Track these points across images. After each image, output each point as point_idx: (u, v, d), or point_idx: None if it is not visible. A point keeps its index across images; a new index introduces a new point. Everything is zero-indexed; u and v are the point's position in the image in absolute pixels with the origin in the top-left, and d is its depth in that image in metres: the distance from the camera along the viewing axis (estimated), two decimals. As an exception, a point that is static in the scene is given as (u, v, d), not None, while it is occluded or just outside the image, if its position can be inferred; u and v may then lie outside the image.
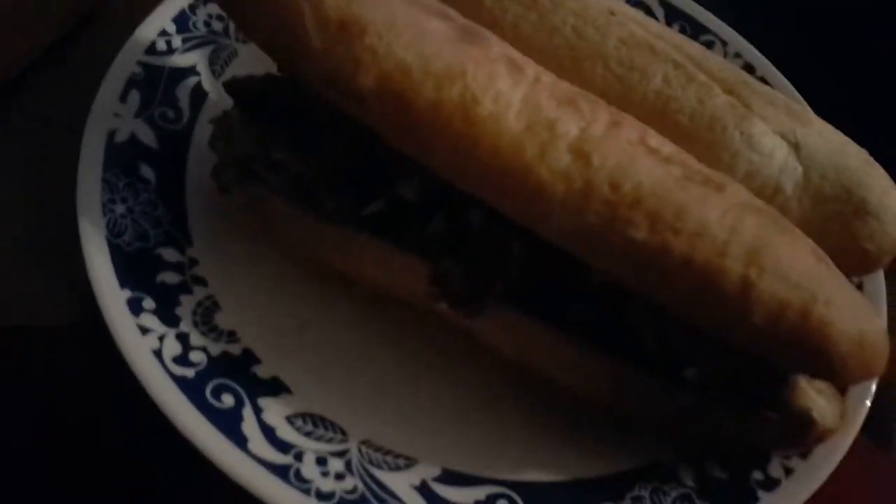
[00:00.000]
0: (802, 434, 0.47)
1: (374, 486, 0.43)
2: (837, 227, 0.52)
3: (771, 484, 0.48)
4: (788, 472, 0.48)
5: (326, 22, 0.44)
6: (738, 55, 0.74)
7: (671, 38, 0.57)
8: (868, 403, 0.51)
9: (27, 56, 0.60)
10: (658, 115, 0.53)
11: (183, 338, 0.45)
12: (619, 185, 0.42)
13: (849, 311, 0.42)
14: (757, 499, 0.47)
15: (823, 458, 0.49)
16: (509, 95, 0.44)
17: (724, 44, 0.74)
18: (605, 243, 0.42)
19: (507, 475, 0.46)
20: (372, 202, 0.47)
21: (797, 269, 0.42)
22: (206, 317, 0.47)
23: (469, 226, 0.47)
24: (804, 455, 0.49)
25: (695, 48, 0.57)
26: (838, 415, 0.48)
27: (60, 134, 0.56)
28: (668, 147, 0.46)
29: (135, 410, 0.46)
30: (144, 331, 0.44)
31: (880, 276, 0.58)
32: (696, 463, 0.49)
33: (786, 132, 0.53)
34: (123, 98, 0.53)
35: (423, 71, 0.43)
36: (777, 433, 0.47)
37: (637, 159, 0.43)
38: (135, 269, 0.46)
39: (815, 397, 0.48)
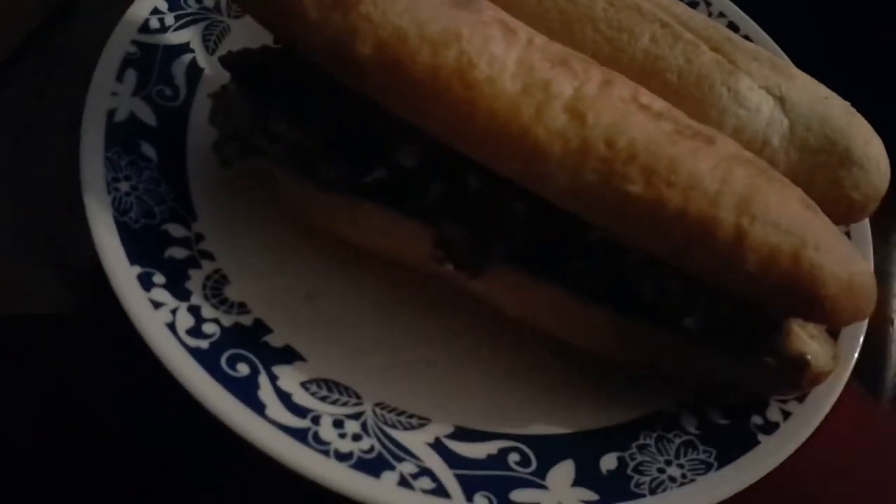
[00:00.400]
0: (798, 377, 0.49)
1: (391, 445, 0.45)
2: (824, 177, 0.53)
3: (770, 427, 0.49)
4: (786, 415, 0.50)
5: (321, -8, 0.45)
6: (721, 14, 0.75)
7: (657, -1, 0.58)
8: (859, 345, 0.53)
9: (13, 39, 0.60)
10: (647, 74, 0.54)
11: (195, 310, 0.46)
12: (613, 142, 0.43)
13: (837, 255, 0.44)
14: (757, 442, 0.49)
15: (819, 400, 0.51)
16: (504, 58, 0.45)
17: (708, 4, 0.75)
18: (603, 199, 0.44)
19: (517, 430, 0.48)
20: (372, 170, 0.48)
21: (787, 216, 0.44)
22: (215, 290, 0.48)
23: (468, 188, 0.48)
24: (801, 399, 0.51)
25: (680, 7, 0.58)
26: (832, 357, 0.50)
27: (49, 121, 0.56)
28: (658, 103, 0.47)
29: (133, 401, 0.47)
30: (157, 305, 0.45)
31: (866, 224, 0.60)
32: (697, 410, 0.50)
33: (771, 86, 0.55)
34: (120, 77, 0.54)
35: (419, 36, 0.44)
36: (774, 377, 0.49)
37: (630, 116, 0.45)
38: (143, 246, 0.47)
39: (809, 342, 0.49)
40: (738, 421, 0.50)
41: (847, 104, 0.56)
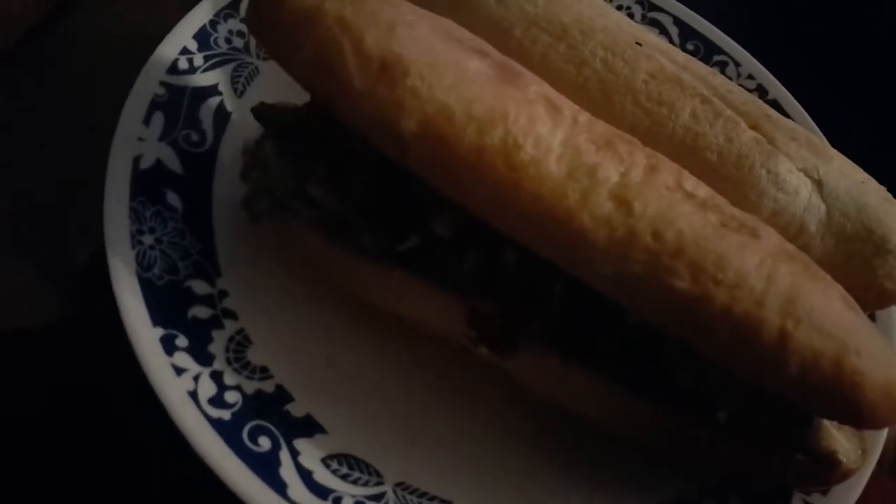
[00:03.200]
0: (828, 474, 0.48)
1: (413, 530, 0.44)
2: (858, 265, 0.53)
3: (793, 521, 0.49)
4: (810, 508, 0.49)
5: (368, 61, 0.43)
6: (750, 77, 0.74)
7: (696, 69, 0.57)
8: (884, 438, 0.52)
9: (8, 39, 0.58)
10: (687, 150, 0.53)
11: (217, 377, 0.45)
12: (661, 234, 0.42)
13: (878, 360, 0.43)
14: (781, 536, 0.48)
15: (842, 493, 0.50)
16: (549, 139, 0.44)
17: (738, 65, 0.75)
18: (647, 291, 0.43)
19: (539, 514, 0.47)
20: (407, 238, 0.47)
21: (830, 319, 0.43)
22: (238, 353, 0.47)
23: (504, 263, 0.47)
24: (824, 491, 0.50)
25: (718, 79, 0.58)
26: (860, 454, 0.49)
27: (37, 120, 0.54)
28: (702, 190, 0.46)
29: (120, 414, 0.46)
30: (179, 371, 0.44)
31: (892, 309, 0.59)
32: (720, 498, 0.49)
33: (809, 169, 0.54)
34: (147, 121, 0.52)
35: (465, 115, 0.43)
36: (803, 472, 0.48)
37: (676, 206, 0.44)
38: (166, 305, 0.46)
39: (839, 437, 0.49)
40: (760, 512, 0.49)
41: (883, 189, 0.55)
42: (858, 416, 0.43)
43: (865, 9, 1.00)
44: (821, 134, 0.69)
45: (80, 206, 0.53)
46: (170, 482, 0.46)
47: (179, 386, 0.43)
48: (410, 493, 0.45)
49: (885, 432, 0.52)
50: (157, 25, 0.57)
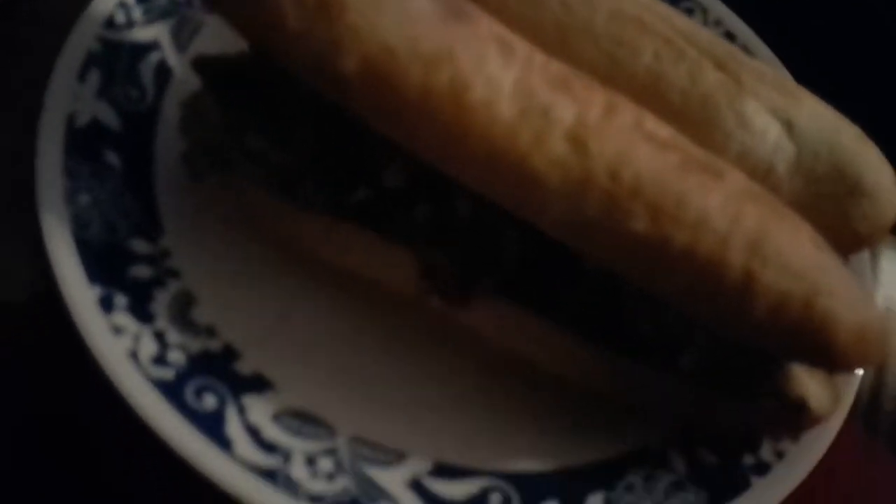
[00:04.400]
0: (798, 421, 0.47)
1: (366, 486, 0.42)
2: (829, 207, 0.51)
3: (763, 468, 0.47)
4: (780, 455, 0.48)
5: (304, -1, 0.41)
6: (718, 23, 0.72)
7: (659, 10, 0.55)
8: (857, 384, 0.51)
9: None
10: (649, 93, 0.51)
11: (159, 336, 0.43)
12: (617, 175, 0.40)
13: (850, 301, 0.42)
14: (749, 484, 0.47)
15: (814, 440, 0.49)
16: (501, 79, 0.41)
17: (705, 11, 0.72)
18: (605, 235, 0.41)
19: (498, 466, 0.45)
20: (355, 189, 0.45)
21: (798, 259, 0.41)
22: (182, 312, 0.45)
23: (457, 213, 0.45)
24: (795, 438, 0.48)
25: (682, 21, 0.55)
26: (831, 399, 0.48)
27: (9, 104, 0.52)
28: (664, 131, 0.44)
29: (105, 398, 0.43)
30: (118, 331, 0.42)
31: (865, 254, 0.58)
32: (687, 448, 0.48)
33: (778, 110, 0.52)
34: (82, 77, 0.50)
35: (410, 53, 0.40)
36: (772, 420, 0.47)
37: (635, 146, 0.42)
38: (104, 265, 0.44)
39: (809, 382, 0.47)
40: (729, 460, 0.48)
41: (858, 130, 0.53)
42: (829, 358, 0.42)
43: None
44: (791, 78, 0.67)
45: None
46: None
47: (119, 346, 0.41)
48: (365, 446, 0.44)
49: (857, 379, 0.51)
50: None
